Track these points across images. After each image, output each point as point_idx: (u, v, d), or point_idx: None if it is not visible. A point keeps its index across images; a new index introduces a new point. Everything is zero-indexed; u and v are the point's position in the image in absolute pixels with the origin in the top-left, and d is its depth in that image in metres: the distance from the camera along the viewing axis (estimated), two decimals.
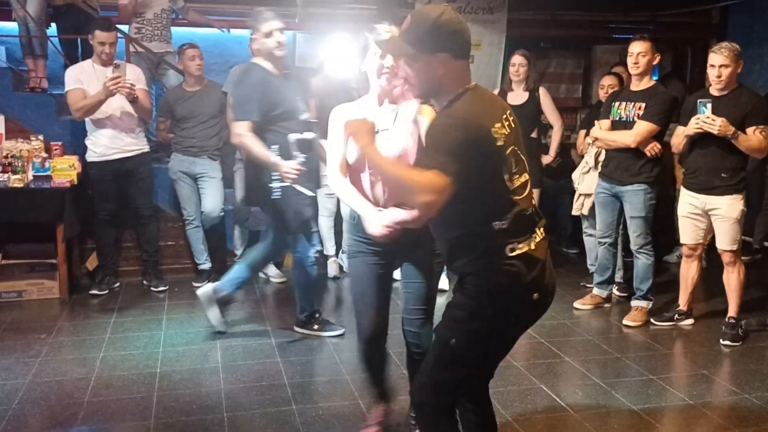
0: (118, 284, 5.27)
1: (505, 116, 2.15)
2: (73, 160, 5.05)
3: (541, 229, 2.22)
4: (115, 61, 4.74)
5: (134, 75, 4.92)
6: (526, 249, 2.12)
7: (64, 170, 4.95)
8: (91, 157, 4.95)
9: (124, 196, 5.10)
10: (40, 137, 5.23)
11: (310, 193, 3.92)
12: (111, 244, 5.23)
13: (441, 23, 2.06)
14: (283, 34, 4.00)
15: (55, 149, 5.18)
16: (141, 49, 5.77)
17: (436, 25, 2.06)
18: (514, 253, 2.10)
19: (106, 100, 4.71)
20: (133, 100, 4.76)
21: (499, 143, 2.07)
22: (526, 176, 2.18)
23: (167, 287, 5.25)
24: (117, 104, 4.82)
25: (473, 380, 2.32)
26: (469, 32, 2.14)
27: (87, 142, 4.95)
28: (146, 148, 5.14)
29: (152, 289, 5.22)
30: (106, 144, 4.90)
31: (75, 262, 5.26)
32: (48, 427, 3.22)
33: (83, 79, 4.81)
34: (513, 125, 2.18)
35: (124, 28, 5.75)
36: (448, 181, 1.95)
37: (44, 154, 5.11)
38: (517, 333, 2.29)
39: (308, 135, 3.71)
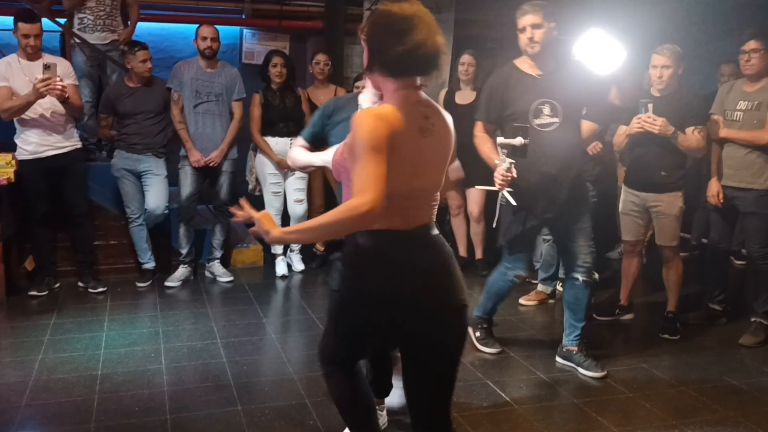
0: (58, 285, 5.12)
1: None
2: (9, 157, 4.87)
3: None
4: (45, 62, 4.56)
5: (63, 70, 4.75)
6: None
7: (1, 167, 4.78)
8: (21, 155, 4.79)
9: (58, 194, 4.95)
10: None
11: (513, 202, 3.65)
12: (48, 244, 5.07)
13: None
14: (539, 30, 3.66)
15: None
16: (80, 41, 5.59)
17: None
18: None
19: (35, 101, 4.56)
20: (63, 100, 4.62)
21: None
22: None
23: (105, 288, 5.11)
24: (47, 103, 4.66)
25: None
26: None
27: (17, 140, 4.79)
28: (78, 145, 4.99)
29: (90, 290, 5.09)
30: (37, 141, 4.75)
31: (13, 263, 5.09)
32: None
33: (9, 75, 4.65)
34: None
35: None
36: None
37: None
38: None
39: (517, 141, 3.41)
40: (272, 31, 6.93)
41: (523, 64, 3.80)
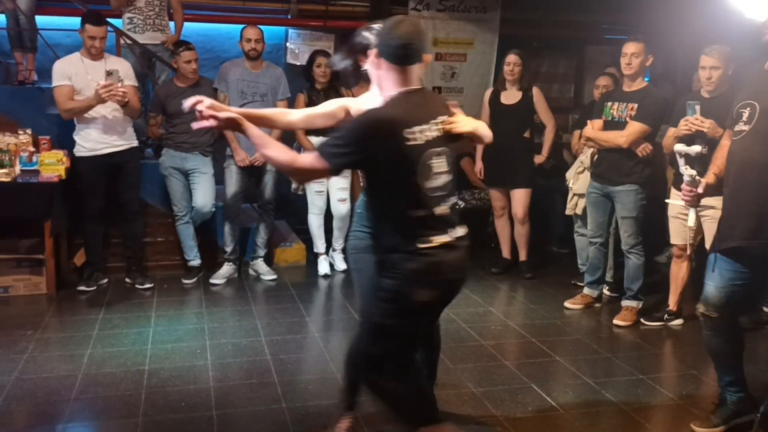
0: (106, 280, 5.22)
1: (435, 121, 2.44)
2: (61, 154, 4.99)
3: (457, 231, 2.49)
4: (107, 68, 4.70)
5: (124, 71, 4.87)
6: (435, 243, 2.39)
7: (52, 164, 4.89)
8: (80, 152, 4.90)
9: (112, 191, 5.05)
10: (28, 131, 5.17)
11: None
12: (99, 240, 5.18)
13: (390, 31, 2.39)
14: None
15: (43, 143, 5.12)
16: (131, 42, 5.69)
17: (386, 32, 2.41)
18: (424, 245, 2.37)
19: (96, 105, 4.68)
20: (123, 104, 4.73)
21: (412, 143, 2.33)
22: (445, 179, 2.44)
23: (152, 284, 5.19)
24: (108, 105, 4.77)
25: (399, 349, 2.55)
26: (420, 44, 2.42)
27: (76, 137, 4.90)
28: (135, 143, 5.09)
29: (137, 286, 5.17)
30: (96, 139, 4.86)
31: (62, 258, 5.21)
32: (34, 424, 3.19)
33: (71, 73, 4.76)
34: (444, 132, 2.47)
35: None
36: (323, 166, 2.31)
37: (32, 148, 5.04)
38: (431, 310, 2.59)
39: (693, 149, 3.17)
40: (317, 31, 6.96)
41: None
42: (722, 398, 3.21)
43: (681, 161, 3.20)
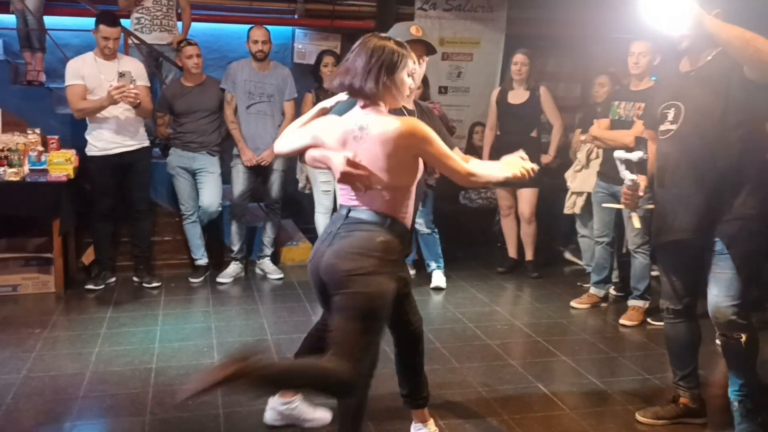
0: (113, 279, 5.24)
1: None
2: (70, 153, 5.02)
3: None
4: (120, 70, 4.73)
5: (137, 71, 4.91)
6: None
7: (60, 164, 4.92)
8: (91, 151, 4.93)
9: (122, 190, 5.08)
10: (37, 131, 5.20)
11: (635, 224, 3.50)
12: (108, 239, 5.21)
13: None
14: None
15: (52, 143, 5.14)
16: (138, 41, 5.72)
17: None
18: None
19: (108, 106, 4.71)
20: (136, 106, 4.75)
21: None
22: None
23: (160, 283, 5.21)
24: (120, 106, 4.80)
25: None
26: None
27: (88, 136, 4.93)
28: (146, 143, 5.12)
29: (144, 285, 5.19)
30: (108, 139, 4.88)
31: (71, 257, 5.24)
32: (42, 422, 3.21)
33: (84, 73, 4.79)
34: None
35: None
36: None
37: (40, 148, 5.08)
38: None
39: (635, 155, 3.21)
40: (324, 31, 6.97)
41: None
42: (675, 395, 3.31)
43: (621, 167, 3.27)
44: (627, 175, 3.23)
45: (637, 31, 4.74)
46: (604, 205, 4.55)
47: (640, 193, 3.23)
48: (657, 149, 3.11)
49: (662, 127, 3.03)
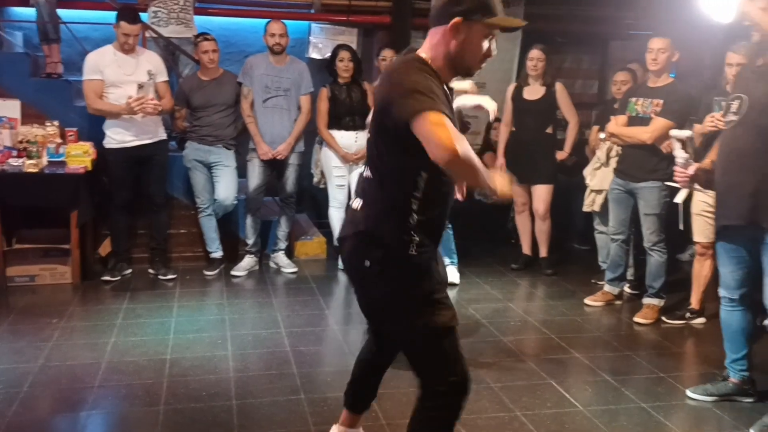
0: (130, 271, 5.29)
1: None
2: (88, 146, 5.07)
3: None
4: (139, 81, 4.80)
5: (156, 66, 4.95)
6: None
7: (78, 156, 4.97)
8: (109, 143, 4.97)
9: (139, 182, 5.12)
10: (56, 123, 5.25)
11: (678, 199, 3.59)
12: (125, 231, 5.26)
13: None
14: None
15: (70, 135, 5.20)
16: (155, 35, 5.75)
17: None
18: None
19: (125, 114, 4.79)
20: (158, 113, 4.86)
21: None
22: None
23: (175, 275, 5.25)
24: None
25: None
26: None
27: (106, 129, 4.97)
28: (164, 136, 5.16)
29: (160, 277, 5.23)
30: (125, 131, 4.92)
31: (88, 248, 5.28)
32: (58, 410, 3.25)
33: (103, 66, 4.83)
34: None
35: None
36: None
37: (59, 140, 5.13)
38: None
39: (684, 133, 3.39)
40: (340, 26, 6.97)
41: None
42: (725, 375, 3.49)
43: (677, 145, 3.37)
44: (680, 154, 3.33)
45: (656, 28, 4.74)
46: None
47: (690, 172, 3.31)
48: (720, 138, 3.32)
49: (727, 118, 3.25)
